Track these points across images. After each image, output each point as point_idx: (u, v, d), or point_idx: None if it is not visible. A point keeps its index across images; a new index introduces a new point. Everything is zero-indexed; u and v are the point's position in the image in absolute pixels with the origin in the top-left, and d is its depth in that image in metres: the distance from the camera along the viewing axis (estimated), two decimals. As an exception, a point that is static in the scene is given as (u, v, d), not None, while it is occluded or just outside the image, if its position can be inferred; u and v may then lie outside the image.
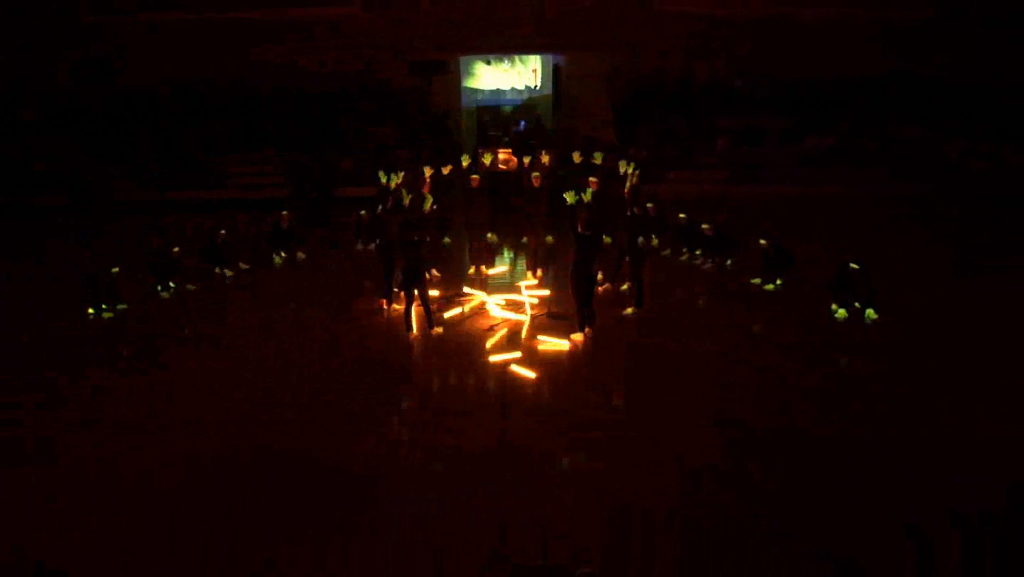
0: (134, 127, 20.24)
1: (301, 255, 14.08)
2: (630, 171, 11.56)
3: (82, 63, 21.16)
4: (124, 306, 11.53)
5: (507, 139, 20.09)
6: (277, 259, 13.84)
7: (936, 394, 8.72)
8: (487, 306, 11.47)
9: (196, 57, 21.01)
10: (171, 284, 12.21)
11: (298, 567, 6.14)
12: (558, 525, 6.52)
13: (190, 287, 12.37)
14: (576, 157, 14.08)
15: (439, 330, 10.61)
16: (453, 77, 21.84)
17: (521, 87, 22.04)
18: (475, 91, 22.20)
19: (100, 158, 19.33)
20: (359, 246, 14.58)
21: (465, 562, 6.14)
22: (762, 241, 12.18)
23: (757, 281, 12.17)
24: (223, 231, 13.24)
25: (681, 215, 13.84)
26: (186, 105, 21.00)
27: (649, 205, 11.84)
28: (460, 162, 13.69)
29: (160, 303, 11.92)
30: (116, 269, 11.58)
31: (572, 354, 9.96)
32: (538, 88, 22.02)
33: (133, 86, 21.29)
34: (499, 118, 22.62)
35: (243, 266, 13.25)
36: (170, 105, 20.99)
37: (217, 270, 12.98)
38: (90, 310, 11.29)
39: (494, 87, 22.11)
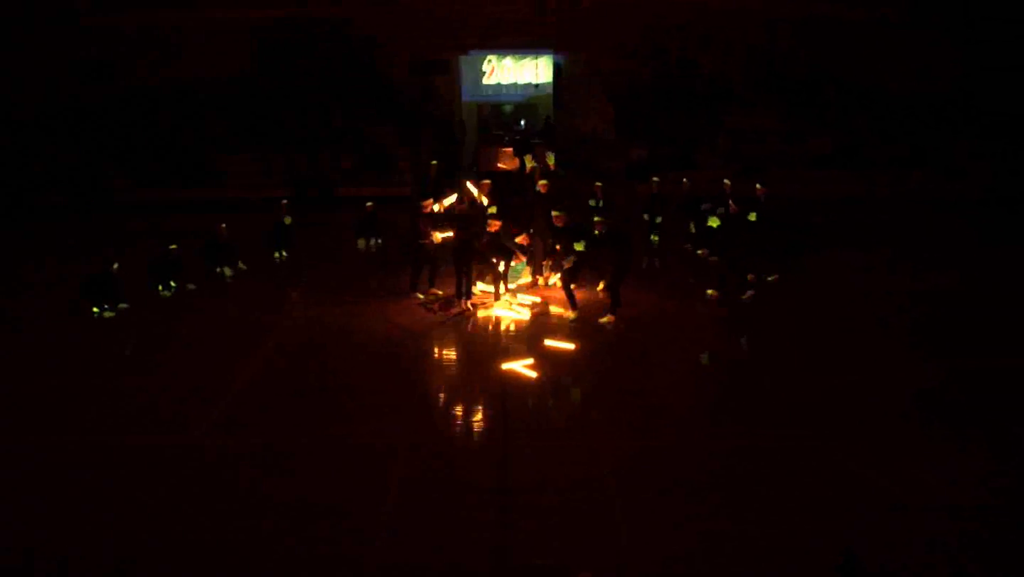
0: (134, 127, 20.22)
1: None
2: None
3: (82, 63, 21.13)
4: (125, 305, 11.51)
5: (507, 138, 20.09)
6: (278, 255, 13.82)
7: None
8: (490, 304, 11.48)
9: (196, 57, 21.00)
10: (171, 284, 12.20)
11: (297, 567, 6.14)
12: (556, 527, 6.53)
13: (190, 287, 12.35)
14: (551, 161, 14.02)
15: (469, 305, 11.15)
16: (453, 77, 21.82)
17: (523, 82, 22.02)
18: (482, 87, 22.15)
19: (100, 158, 19.32)
20: (360, 243, 14.57)
21: (465, 561, 6.14)
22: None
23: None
24: (223, 224, 13.12)
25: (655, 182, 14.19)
26: (186, 105, 20.98)
27: (655, 179, 12.09)
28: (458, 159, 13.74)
29: (160, 303, 11.90)
30: (116, 265, 11.54)
31: (575, 355, 9.97)
32: (541, 85, 21.97)
33: (133, 86, 21.28)
34: (500, 117, 22.62)
35: (242, 266, 13.21)
36: (170, 105, 20.97)
37: (218, 270, 12.95)
38: (94, 309, 11.28)
39: (498, 81, 22.06)
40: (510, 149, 19.05)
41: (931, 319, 10.91)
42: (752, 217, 11.76)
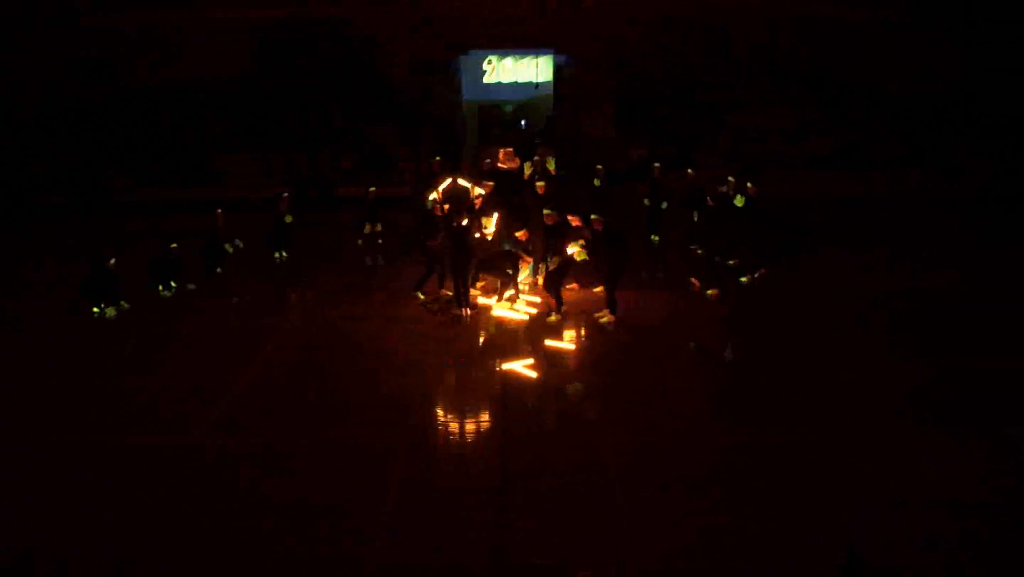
0: (134, 127, 20.23)
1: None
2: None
3: (82, 63, 21.14)
4: (125, 305, 11.51)
5: (509, 137, 20.05)
6: (278, 256, 13.82)
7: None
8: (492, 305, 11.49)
9: (196, 57, 21.00)
10: (171, 284, 12.20)
11: (297, 567, 6.14)
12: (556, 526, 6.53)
13: (190, 287, 12.35)
14: (551, 165, 13.86)
15: (467, 312, 11.03)
16: (453, 77, 21.82)
17: (524, 81, 22.01)
18: (482, 87, 22.12)
19: (100, 158, 19.33)
20: (367, 229, 14.54)
21: (465, 561, 6.14)
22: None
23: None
24: (219, 210, 13.07)
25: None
26: (186, 105, 20.98)
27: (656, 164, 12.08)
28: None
29: (160, 303, 11.90)
30: (113, 260, 11.53)
31: (575, 355, 9.97)
32: (541, 84, 21.95)
33: (133, 86, 21.29)
34: (501, 117, 22.60)
35: (239, 243, 13.09)
36: (170, 105, 20.97)
37: (218, 269, 12.94)
38: (95, 309, 11.28)
39: (498, 81, 22.04)
40: (511, 149, 19.03)
41: (929, 318, 10.90)
42: (739, 202, 11.73)
